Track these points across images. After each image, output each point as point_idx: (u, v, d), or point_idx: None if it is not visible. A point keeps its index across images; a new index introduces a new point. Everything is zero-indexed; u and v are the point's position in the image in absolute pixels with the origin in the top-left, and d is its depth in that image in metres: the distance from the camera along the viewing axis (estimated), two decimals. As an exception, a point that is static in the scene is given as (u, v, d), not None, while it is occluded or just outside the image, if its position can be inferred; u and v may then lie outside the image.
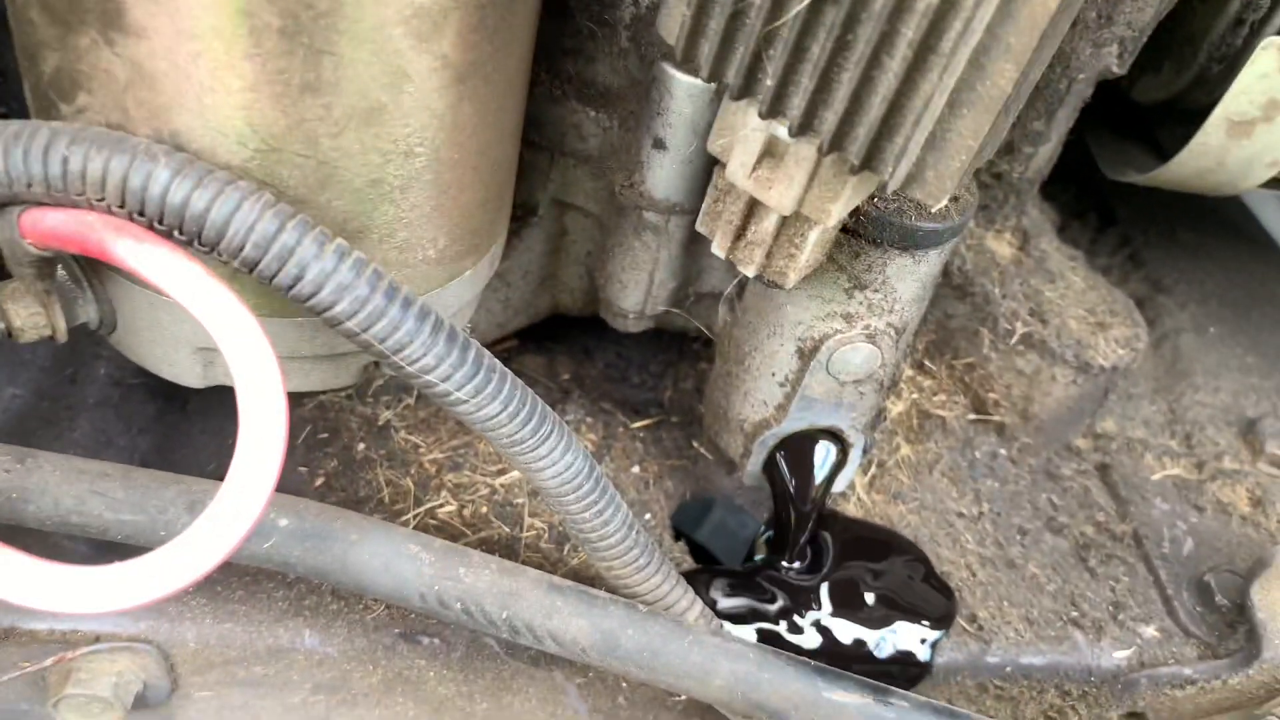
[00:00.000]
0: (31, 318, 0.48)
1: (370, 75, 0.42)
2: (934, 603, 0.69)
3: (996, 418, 0.80)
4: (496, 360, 0.47)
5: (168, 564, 0.38)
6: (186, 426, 0.66)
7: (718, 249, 0.50)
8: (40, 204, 0.41)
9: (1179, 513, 0.80)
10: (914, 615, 0.67)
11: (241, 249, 0.41)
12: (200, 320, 0.39)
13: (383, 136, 0.44)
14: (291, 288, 0.41)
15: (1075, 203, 1.07)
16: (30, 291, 0.48)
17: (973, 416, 0.80)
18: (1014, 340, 0.75)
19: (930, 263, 0.57)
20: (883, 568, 0.69)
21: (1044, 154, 0.73)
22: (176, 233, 0.41)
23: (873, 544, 0.70)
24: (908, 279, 0.58)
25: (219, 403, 0.67)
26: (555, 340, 0.81)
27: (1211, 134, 0.70)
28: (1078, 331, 0.75)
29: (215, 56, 0.40)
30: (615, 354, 0.82)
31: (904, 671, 0.66)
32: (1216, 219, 1.11)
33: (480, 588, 0.53)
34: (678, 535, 0.71)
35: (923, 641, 0.67)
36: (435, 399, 0.46)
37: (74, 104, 0.43)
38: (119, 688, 0.57)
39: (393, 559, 0.52)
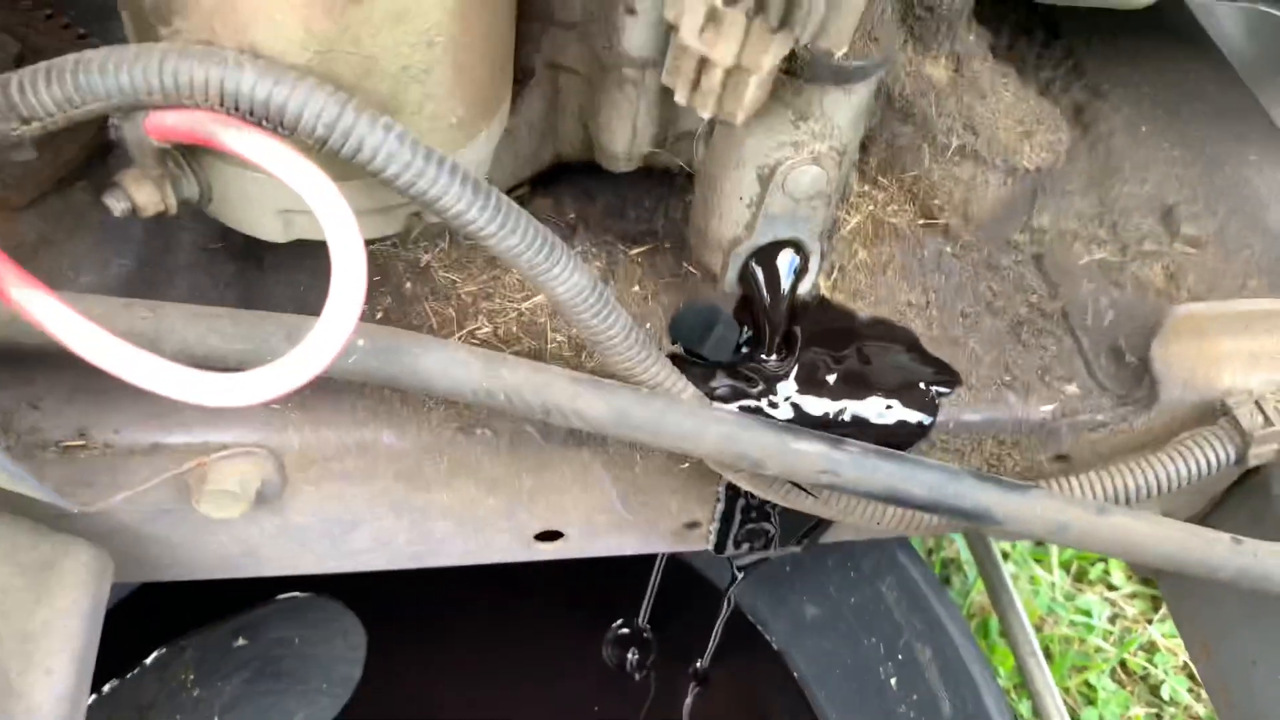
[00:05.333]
0: (150, 196, 0.62)
1: (396, -15, 0.54)
2: (900, 372, 0.83)
3: (942, 221, 0.93)
4: (513, 202, 0.61)
5: (292, 367, 0.53)
6: (264, 280, 0.80)
7: (680, 98, 0.62)
8: (158, 107, 0.55)
9: (1102, 290, 0.94)
10: (875, 389, 0.83)
11: (314, 130, 0.54)
12: (292, 186, 0.53)
13: (410, 32, 0.56)
14: (353, 157, 0.55)
15: (1024, 20, 1.17)
16: (148, 177, 0.61)
17: (922, 222, 0.93)
18: (950, 152, 0.87)
19: (859, 94, 0.70)
20: (843, 352, 0.84)
21: (969, -14, 0.84)
22: (264, 121, 0.54)
23: (836, 332, 0.85)
24: (842, 108, 0.70)
25: (289, 259, 0.81)
26: (560, 185, 0.94)
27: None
28: (1006, 140, 0.87)
29: (278, -18, 0.52)
30: (613, 194, 0.95)
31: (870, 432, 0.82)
32: (1156, 24, 1.20)
33: (518, 381, 0.68)
34: (674, 340, 0.86)
35: (887, 408, 0.82)
36: (468, 236, 0.60)
37: (171, 27, 0.55)
38: (244, 484, 0.74)
39: (449, 365, 0.67)
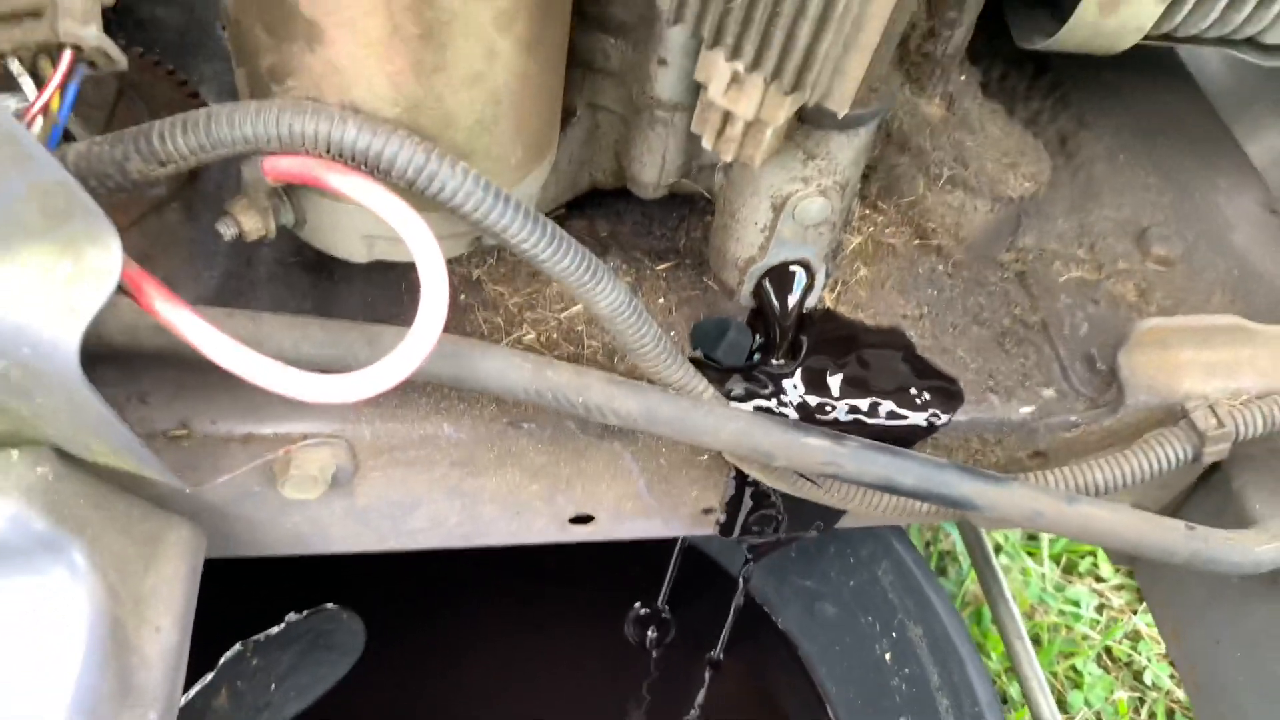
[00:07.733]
0: (254, 224, 0.73)
1: (474, 55, 0.65)
2: (895, 373, 0.94)
3: (935, 242, 1.04)
4: (562, 230, 0.72)
5: (389, 369, 0.64)
6: (336, 291, 0.91)
7: (706, 144, 0.73)
8: (273, 153, 0.66)
9: (1079, 304, 1.04)
10: (871, 389, 0.93)
11: (404, 173, 0.65)
12: (387, 220, 0.64)
13: (482, 91, 0.67)
14: (436, 195, 0.66)
15: (1016, 54, 1.27)
16: (255, 207, 0.72)
17: (917, 242, 1.04)
18: (943, 182, 0.98)
19: (861, 136, 0.80)
20: (845, 359, 0.95)
21: (959, 35, 0.94)
22: (363, 166, 0.65)
23: (839, 340, 0.95)
24: (846, 149, 0.81)
25: (356, 272, 0.92)
26: (594, 207, 1.04)
27: (1086, 11, 0.91)
28: (992, 171, 0.98)
29: (378, 53, 0.63)
30: (640, 214, 1.06)
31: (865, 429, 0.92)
32: (1140, 60, 1.30)
33: (562, 382, 0.79)
34: (695, 346, 0.96)
35: (875, 406, 0.93)
36: (525, 258, 0.71)
37: (284, 86, 0.66)
38: (322, 469, 0.85)
39: (505, 368, 0.78)
